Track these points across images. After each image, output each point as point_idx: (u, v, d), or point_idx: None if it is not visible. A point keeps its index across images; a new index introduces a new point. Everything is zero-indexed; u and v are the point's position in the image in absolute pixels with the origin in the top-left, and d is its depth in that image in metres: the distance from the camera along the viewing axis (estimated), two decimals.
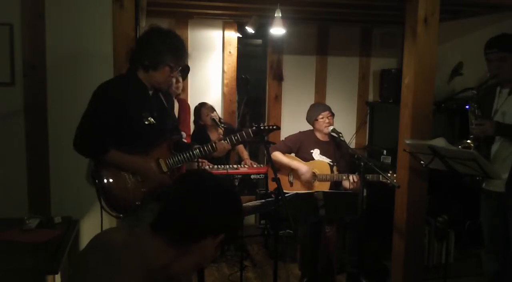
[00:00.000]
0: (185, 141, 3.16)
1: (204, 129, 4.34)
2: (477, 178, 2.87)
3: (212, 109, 4.35)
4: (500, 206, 2.88)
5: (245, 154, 4.50)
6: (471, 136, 2.83)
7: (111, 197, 2.39)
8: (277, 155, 3.78)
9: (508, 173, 2.77)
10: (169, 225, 1.35)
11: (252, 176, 4.14)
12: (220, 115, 4.53)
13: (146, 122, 2.41)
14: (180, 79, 3.65)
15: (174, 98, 3.42)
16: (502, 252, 2.95)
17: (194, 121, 4.45)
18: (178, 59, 2.45)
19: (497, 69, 2.79)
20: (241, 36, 4.99)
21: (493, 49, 2.79)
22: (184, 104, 3.99)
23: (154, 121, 2.44)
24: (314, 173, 3.74)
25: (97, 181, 2.39)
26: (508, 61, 2.76)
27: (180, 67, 2.53)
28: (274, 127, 2.82)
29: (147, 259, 1.32)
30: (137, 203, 2.41)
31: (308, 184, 3.70)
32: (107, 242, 1.36)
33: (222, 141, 2.67)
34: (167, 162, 2.50)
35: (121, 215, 2.43)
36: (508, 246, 2.88)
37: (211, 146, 2.61)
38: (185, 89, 4.68)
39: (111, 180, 2.38)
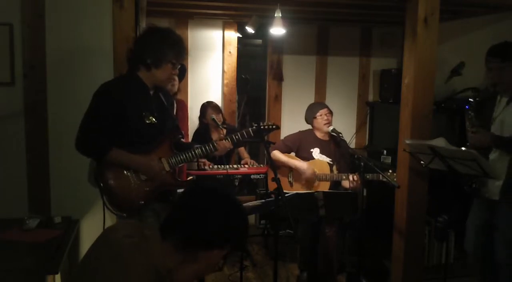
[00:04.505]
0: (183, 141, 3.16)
1: (207, 128, 4.33)
2: (473, 186, 2.86)
3: (217, 109, 4.34)
4: (492, 213, 2.86)
5: (245, 154, 4.50)
6: (468, 144, 2.83)
7: (115, 196, 2.40)
8: (276, 154, 3.78)
9: (503, 182, 2.74)
10: (177, 234, 1.36)
11: (252, 176, 4.14)
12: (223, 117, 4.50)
13: (148, 121, 2.43)
14: (176, 78, 3.65)
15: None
16: (491, 258, 2.92)
17: (199, 119, 4.45)
18: (179, 55, 2.47)
19: (498, 78, 2.76)
20: (241, 36, 5.00)
21: (496, 59, 2.74)
22: (181, 105, 3.99)
23: (155, 121, 2.45)
24: (314, 172, 3.74)
25: (100, 181, 2.39)
26: (509, 71, 2.71)
27: (180, 65, 2.54)
28: (274, 126, 2.82)
29: (155, 263, 1.32)
30: (140, 202, 2.42)
31: (309, 182, 3.70)
32: (117, 242, 1.36)
33: (224, 140, 2.69)
34: (169, 161, 2.51)
35: (124, 215, 2.44)
36: (493, 255, 2.87)
37: (212, 145, 2.63)
38: (184, 89, 4.68)
39: (114, 180, 2.39)
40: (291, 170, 3.81)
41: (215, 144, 2.63)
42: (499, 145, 2.74)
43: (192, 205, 1.40)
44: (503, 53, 2.73)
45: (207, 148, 2.61)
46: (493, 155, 2.85)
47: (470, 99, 2.87)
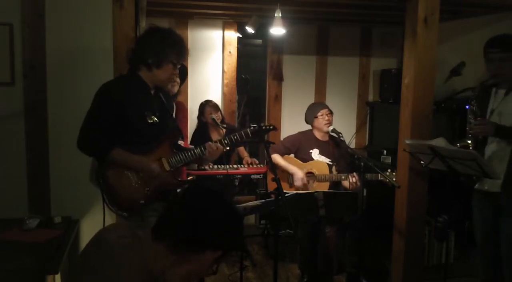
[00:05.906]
0: (182, 142, 3.16)
1: (206, 127, 4.32)
2: (474, 178, 2.87)
3: (216, 108, 4.33)
4: (495, 206, 2.87)
5: (245, 153, 4.49)
6: (470, 135, 2.82)
7: (116, 196, 2.41)
8: (275, 158, 3.77)
9: (504, 174, 2.75)
10: (171, 234, 1.37)
11: (252, 176, 4.13)
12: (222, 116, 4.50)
13: (150, 121, 2.43)
14: (178, 79, 3.64)
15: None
16: (495, 254, 2.93)
17: (198, 118, 4.45)
18: (180, 55, 2.48)
19: (498, 70, 2.77)
20: (241, 36, 5.00)
21: (496, 49, 2.75)
22: (181, 106, 3.98)
23: (157, 120, 2.46)
24: (312, 173, 3.74)
25: (101, 180, 2.40)
26: (509, 62, 2.73)
27: (181, 65, 2.54)
28: (271, 127, 2.81)
29: (149, 263, 1.33)
30: (140, 202, 2.42)
31: (303, 189, 3.70)
32: (110, 242, 1.37)
33: (215, 143, 2.63)
34: (169, 161, 2.51)
35: (125, 214, 2.44)
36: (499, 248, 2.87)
37: (201, 149, 2.59)
38: (184, 89, 4.68)
39: (115, 179, 2.40)
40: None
41: (203, 149, 2.57)
42: (502, 134, 2.73)
43: (185, 206, 1.40)
44: (503, 44, 2.74)
45: (202, 149, 2.57)
46: (491, 146, 2.84)
47: (472, 91, 2.87)
